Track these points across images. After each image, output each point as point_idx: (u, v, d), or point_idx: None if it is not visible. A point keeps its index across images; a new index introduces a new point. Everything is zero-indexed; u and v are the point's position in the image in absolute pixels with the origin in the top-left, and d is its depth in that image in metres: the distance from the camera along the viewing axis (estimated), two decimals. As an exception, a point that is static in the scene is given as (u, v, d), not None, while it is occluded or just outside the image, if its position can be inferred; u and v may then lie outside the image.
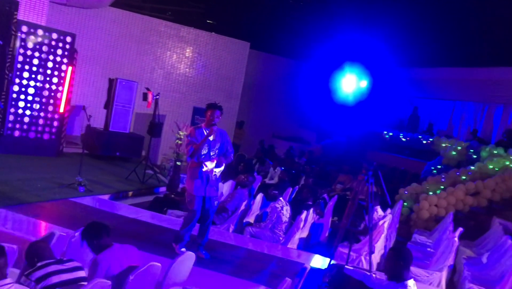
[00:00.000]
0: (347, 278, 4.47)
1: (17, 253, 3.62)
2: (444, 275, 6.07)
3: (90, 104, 11.42)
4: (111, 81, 11.33)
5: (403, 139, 15.20)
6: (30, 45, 9.74)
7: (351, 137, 16.87)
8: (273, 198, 6.86)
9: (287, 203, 6.96)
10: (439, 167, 12.24)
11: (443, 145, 12.59)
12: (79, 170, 8.02)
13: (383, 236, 6.75)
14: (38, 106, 9.98)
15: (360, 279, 4.26)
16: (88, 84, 12.58)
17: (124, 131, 11.35)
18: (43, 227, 5.84)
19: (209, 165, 5.41)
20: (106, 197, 7.98)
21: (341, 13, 14.77)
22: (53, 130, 10.24)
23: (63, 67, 10.24)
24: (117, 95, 11.14)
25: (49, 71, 10.05)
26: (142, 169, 9.55)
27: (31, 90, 9.85)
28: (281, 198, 6.89)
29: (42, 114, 10.04)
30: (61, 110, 10.29)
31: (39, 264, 3.24)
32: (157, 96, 9.73)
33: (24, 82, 9.76)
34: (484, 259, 6.87)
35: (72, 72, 10.50)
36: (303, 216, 6.69)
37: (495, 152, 10.73)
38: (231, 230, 6.93)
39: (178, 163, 9.56)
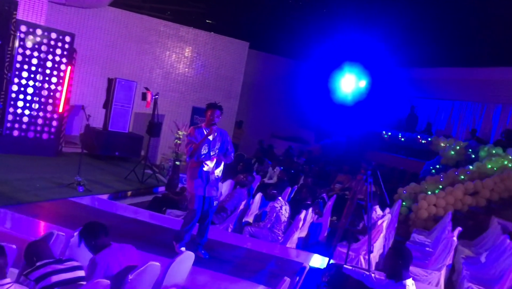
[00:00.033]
0: (346, 278, 4.47)
1: (16, 252, 3.62)
2: (442, 274, 6.09)
3: (89, 104, 11.43)
4: (110, 81, 11.33)
5: (402, 139, 15.22)
6: (29, 45, 9.73)
7: (350, 137, 16.90)
8: (272, 198, 6.87)
9: (286, 203, 6.97)
10: (437, 166, 12.26)
11: (442, 144, 12.60)
12: (78, 170, 8.02)
13: (382, 235, 6.76)
14: (37, 106, 9.97)
15: (359, 278, 4.27)
16: (87, 84, 12.58)
17: (123, 131, 11.34)
18: (42, 227, 5.83)
19: (210, 164, 5.42)
20: (105, 196, 7.98)
21: (341, 13, 14.77)
22: (52, 130, 10.23)
23: (62, 67, 10.24)
24: (116, 95, 11.14)
25: (48, 71, 10.05)
26: (141, 169, 9.55)
27: (30, 90, 9.84)
28: (280, 198, 6.90)
29: (41, 114, 10.04)
30: (60, 110, 10.29)
31: (38, 264, 3.24)
32: (156, 96, 9.73)
33: (23, 82, 9.75)
34: (483, 259, 6.88)
35: (71, 72, 10.49)
36: (302, 215, 6.70)
37: (493, 151, 10.74)
38: (230, 229, 6.94)
39: (177, 163, 9.57)
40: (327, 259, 5.43)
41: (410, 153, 14.78)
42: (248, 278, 5.10)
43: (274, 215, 6.63)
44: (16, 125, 9.77)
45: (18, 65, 9.64)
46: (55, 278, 3.17)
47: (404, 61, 15.41)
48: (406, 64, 15.75)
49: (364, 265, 6.09)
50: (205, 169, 5.40)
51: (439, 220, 8.86)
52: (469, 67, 14.45)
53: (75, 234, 3.89)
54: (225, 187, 8.25)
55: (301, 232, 6.93)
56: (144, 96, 10.19)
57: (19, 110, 9.77)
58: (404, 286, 3.79)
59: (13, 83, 9.59)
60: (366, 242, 5.97)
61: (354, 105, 15.90)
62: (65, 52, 10.24)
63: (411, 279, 3.87)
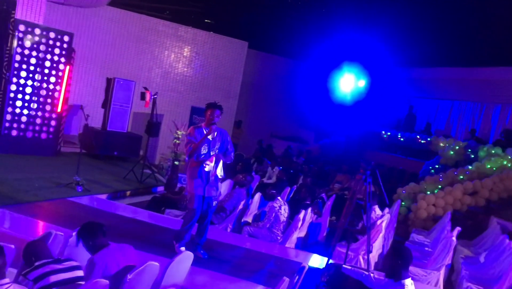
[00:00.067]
0: (345, 278, 4.46)
1: (14, 252, 3.61)
2: (441, 274, 6.08)
3: (88, 103, 11.41)
4: (109, 81, 11.32)
5: (401, 139, 15.22)
6: (27, 44, 9.71)
7: (349, 137, 16.89)
8: (271, 198, 6.86)
9: (285, 203, 6.96)
10: (437, 166, 12.26)
11: (441, 144, 12.60)
12: (77, 170, 8.01)
13: (381, 235, 6.76)
14: (35, 105, 9.96)
15: (358, 278, 4.26)
16: (86, 83, 12.56)
17: (122, 131, 11.33)
18: (41, 227, 5.82)
19: (210, 164, 5.42)
20: (104, 196, 7.97)
21: (340, 12, 14.78)
22: (51, 129, 10.22)
23: (61, 66, 10.22)
24: (115, 94, 11.13)
25: (46, 71, 10.03)
26: (140, 169, 9.54)
27: (28, 90, 9.83)
28: (279, 198, 6.89)
29: (39, 113, 10.02)
30: (59, 109, 10.27)
31: (36, 264, 3.23)
32: (155, 96, 9.72)
33: (22, 81, 9.73)
34: (482, 259, 6.88)
35: (70, 71, 10.48)
36: (301, 215, 6.69)
37: (493, 151, 10.74)
38: (229, 229, 6.93)
39: (176, 163, 9.56)
40: (326, 259, 5.43)
41: (409, 153, 14.78)
42: (247, 278, 5.09)
43: (273, 215, 6.62)
44: (15, 125, 9.76)
45: (16, 65, 9.62)
46: (54, 278, 3.16)
47: (404, 61, 15.42)
48: (405, 64, 15.75)
49: (363, 265, 6.09)
50: (206, 169, 5.40)
51: (438, 220, 8.86)
52: (468, 67, 14.44)
53: (74, 233, 3.88)
54: (224, 187, 8.24)
55: (300, 232, 6.92)
56: (143, 96, 10.19)
57: (17, 110, 9.75)
58: (403, 286, 3.78)
59: (11, 83, 9.57)
60: (365, 242, 5.96)
61: (353, 105, 15.89)
62: (63, 52, 10.22)
63: (410, 279, 3.87)
